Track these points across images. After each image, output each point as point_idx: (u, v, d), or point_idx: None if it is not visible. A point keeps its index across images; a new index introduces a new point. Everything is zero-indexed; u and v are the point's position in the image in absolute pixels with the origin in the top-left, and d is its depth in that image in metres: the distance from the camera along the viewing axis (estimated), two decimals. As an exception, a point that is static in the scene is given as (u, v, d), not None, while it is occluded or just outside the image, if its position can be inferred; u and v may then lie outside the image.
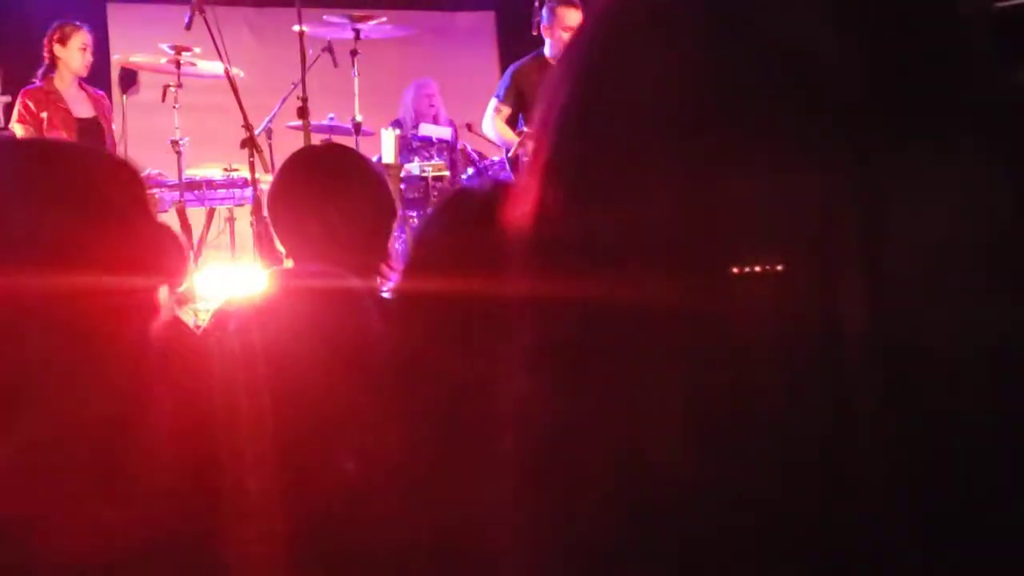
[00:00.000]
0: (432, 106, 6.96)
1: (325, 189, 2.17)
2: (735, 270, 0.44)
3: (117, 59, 6.44)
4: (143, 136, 6.50)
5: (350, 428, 1.73)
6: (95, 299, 0.92)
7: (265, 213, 5.50)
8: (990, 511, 0.43)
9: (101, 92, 6.13)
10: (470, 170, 6.49)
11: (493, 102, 6.02)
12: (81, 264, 0.91)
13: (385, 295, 2.24)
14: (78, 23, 5.85)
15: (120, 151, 6.18)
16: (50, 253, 0.91)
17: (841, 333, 0.42)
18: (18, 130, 5.58)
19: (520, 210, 0.53)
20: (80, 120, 5.78)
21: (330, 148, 2.25)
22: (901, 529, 0.43)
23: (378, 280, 2.27)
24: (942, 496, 0.43)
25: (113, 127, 6.07)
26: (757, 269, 0.44)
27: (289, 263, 2.34)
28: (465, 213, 1.68)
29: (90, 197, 0.96)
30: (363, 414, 1.72)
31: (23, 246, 0.91)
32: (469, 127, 6.80)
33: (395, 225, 2.34)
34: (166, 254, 1.02)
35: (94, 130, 5.82)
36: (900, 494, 0.43)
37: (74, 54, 5.73)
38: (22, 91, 5.84)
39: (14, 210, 0.92)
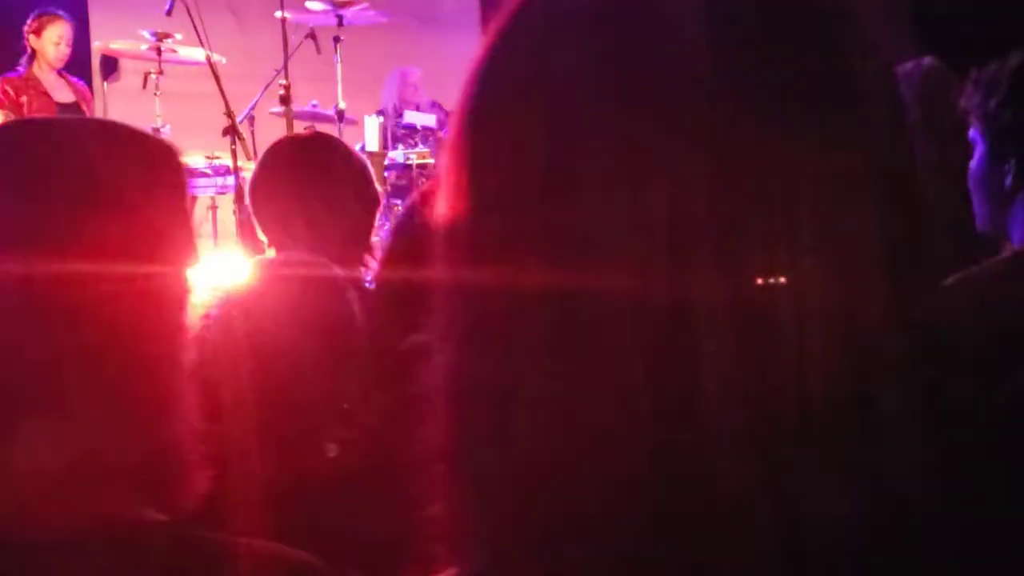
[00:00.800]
0: (416, 94, 6.96)
1: (307, 179, 2.16)
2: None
3: (98, 46, 6.40)
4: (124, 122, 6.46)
5: (332, 415, 1.74)
6: (119, 287, 0.91)
7: (247, 201, 5.49)
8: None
9: (82, 82, 6.09)
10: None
11: None
12: (101, 252, 0.91)
13: (367, 285, 2.25)
14: (56, 12, 5.79)
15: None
16: (65, 242, 0.90)
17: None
18: None
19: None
20: (60, 105, 5.76)
21: (312, 137, 2.24)
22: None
23: (361, 270, 2.27)
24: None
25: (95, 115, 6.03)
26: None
27: (271, 252, 2.34)
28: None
29: (101, 178, 0.95)
30: (344, 400, 1.73)
31: (35, 236, 0.90)
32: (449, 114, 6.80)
33: (378, 215, 2.34)
34: (189, 235, 1.03)
35: (75, 115, 5.79)
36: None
37: (48, 46, 5.70)
38: (0, 78, 5.81)
39: (19, 197, 0.91)
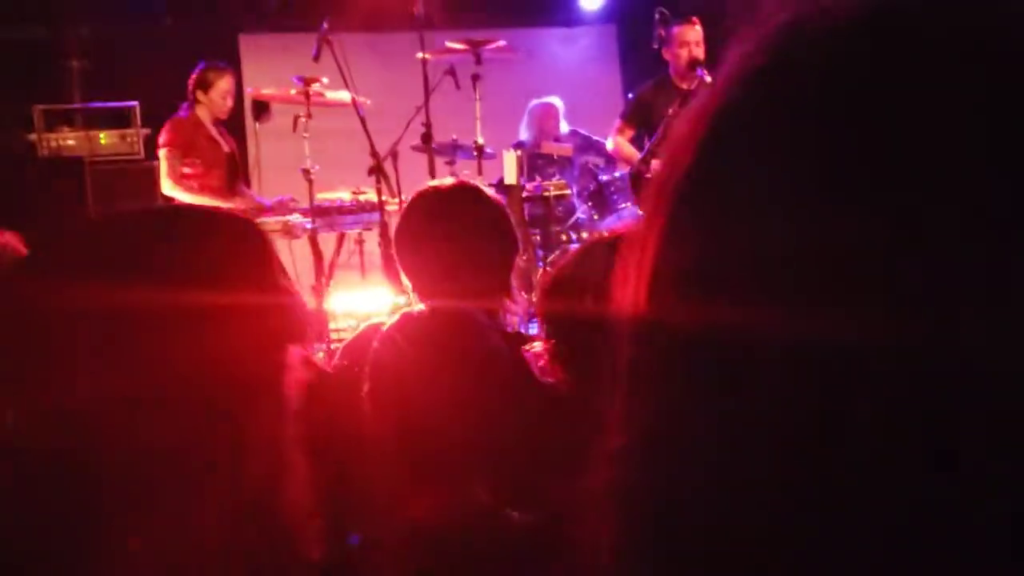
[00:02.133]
0: (555, 125, 7.03)
1: (448, 230, 2.22)
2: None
3: (250, 92, 6.66)
4: (275, 162, 6.73)
5: (484, 459, 1.77)
6: (225, 372, 0.93)
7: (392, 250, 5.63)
8: None
9: (232, 139, 6.27)
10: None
11: (617, 122, 6.07)
12: (210, 338, 0.92)
13: (509, 328, 2.28)
14: (225, 66, 5.99)
15: (253, 178, 6.42)
16: (177, 330, 0.91)
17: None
18: (162, 154, 5.75)
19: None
20: (227, 153, 5.98)
21: (454, 187, 2.29)
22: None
23: (502, 314, 2.31)
24: None
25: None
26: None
27: (414, 297, 2.40)
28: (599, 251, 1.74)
29: (214, 267, 0.97)
30: (496, 445, 1.76)
31: (148, 323, 0.91)
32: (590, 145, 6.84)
33: (517, 259, 2.37)
34: (295, 317, 1.03)
35: (236, 165, 6.03)
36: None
37: (216, 100, 5.90)
38: (169, 120, 6.01)
39: (136, 285, 0.92)
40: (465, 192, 2.33)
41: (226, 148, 5.99)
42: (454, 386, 1.77)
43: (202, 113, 5.90)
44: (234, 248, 1.01)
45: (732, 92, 0.53)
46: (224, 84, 5.90)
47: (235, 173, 5.99)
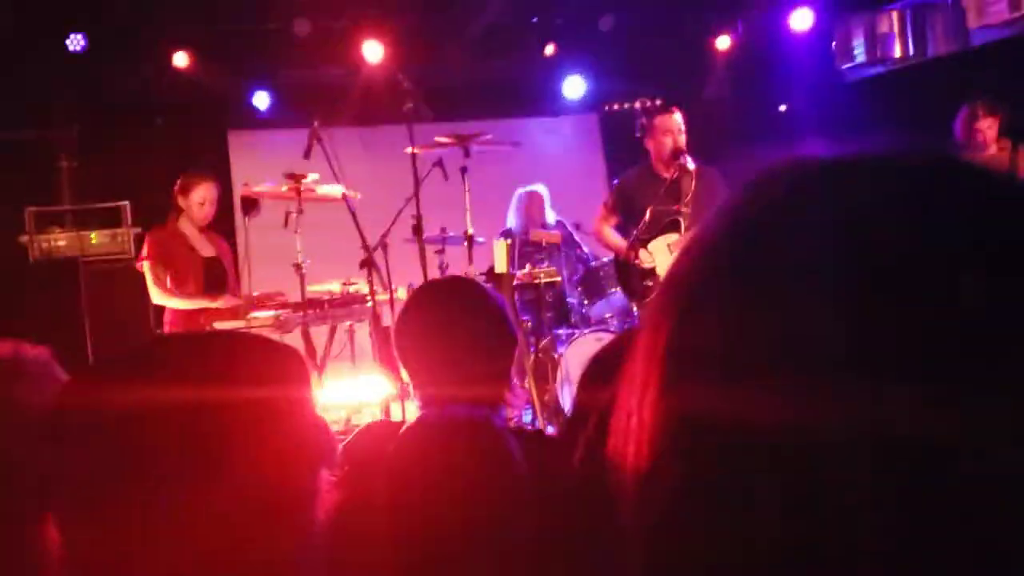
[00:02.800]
0: (541, 213, 7.13)
1: (449, 325, 2.24)
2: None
3: (240, 190, 6.70)
4: (266, 256, 6.76)
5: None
6: (255, 503, 0.94)
7: (384, 324, 5.67)
8: None
9: (223, 241, 6.20)
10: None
11: (601, 210, 6.15)
12: (244, 466, 0.94)
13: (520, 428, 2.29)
14: (203, 173, 5.91)
15: (244, 273, 6.44)
16: (211, 458, 0.93)
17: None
18: (145, 267, 5.73)
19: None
20: (204, 259, 5.90)
21: (452, 282, 2.33)
22: None
23: (502, 407, 2.33)
24: None
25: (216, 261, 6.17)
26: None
27: (415, 393, 2.41)
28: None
29: (263, 390, 1.00)
30: (507, 558, 1.74)
31: (180, 452, 0.94)
32: (577, 227, 6.92)
33: (516, 352, 2.39)
34: (323, 438, 1.06)
35: (217, 269, 5.94)
36: None
37: (193, 207, 5.82)
38: (148, 232, 6.00)
39: (172, 415, 0.95)
40: (465, 285, 2.36)
41: (205, 254, 5.92)
42: (477, 503, 1.76)
43: (183, 220, 5.87)
44: (281, 374, 1.04)
45: (752, 204, 0.57)
46: (201, 192, 5.82)
47: (217, 278, 5.94)
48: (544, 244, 6.64)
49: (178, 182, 5.86)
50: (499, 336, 2.28)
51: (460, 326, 2.24)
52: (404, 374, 2.43)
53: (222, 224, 6.92)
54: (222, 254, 6.06)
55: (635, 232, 5.77)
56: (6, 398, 1.40)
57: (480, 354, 2.23)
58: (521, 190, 7.21)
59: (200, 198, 5.82)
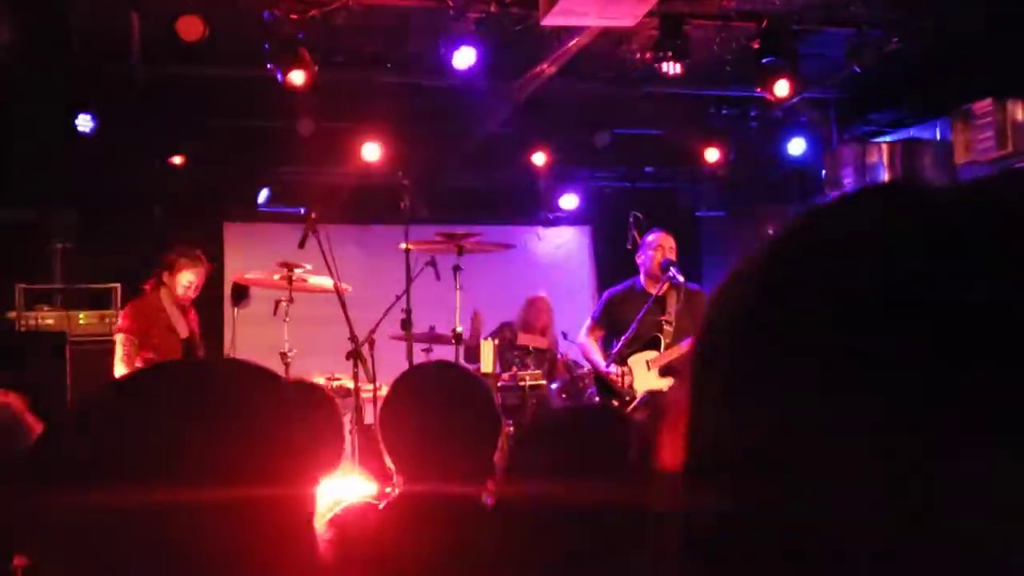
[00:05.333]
0: (539, 319, 7.21)
1: (435, 409, 2.24)
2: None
3: (231, 275, 6.71)
4: (252, 347, 6.74)
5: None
6: (255, 515, 0.95)
7: (367, 422, 5.63)
8: None
9: (192, 310, 6.03)
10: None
11: (588, 322, 6.18)
12: (240, 482, 0.95)
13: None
14: (195, 257, 5.83)
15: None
16: (215, 476, 0.94)
17: None
18: (119, 339, 5.64)
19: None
20: (183, 341, 5.83)
21: (440, 368, 2.34)
22: None
23: (485, 494, 2.31)
24: None
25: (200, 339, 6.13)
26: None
27: (398, 480, 2.39)
28: (555, 429, 1.75)
29: (241, 415, 1.01)
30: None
31: (188, 472, 0.94)
32: (564, 335, 6.96)
33: (500, 439, 2.39)
34: (325, 441, 1.08)
35: (192, 348, 5.87)
36: None
37: (178, 286, 5.76)
38: (129, 303, 5.95)
39: (182, 437, 0.96)
40: (452, 370, 2.37)
41: (183, 334, 5.85)
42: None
43: (164, 293, 5.79)
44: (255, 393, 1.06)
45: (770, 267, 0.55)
46: (189, 276, 5.77)
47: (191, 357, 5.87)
48: (531, 349, 6.66)
49: (168, 258, 5.81)
50: (484, 422, 2.28)
51: (444, 411, 2.24)
52: (388, 461, 2.42)
53: (211, 314, 6.92)
54: (192, 328, 5.96)
55: (617, 348, 5.80)
56: None
57: (465, 439, 2.22)
58: (525, 297, 7.37)
59: (187, 281, 5.78)
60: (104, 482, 0.94)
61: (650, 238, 5.97)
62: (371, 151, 7.92)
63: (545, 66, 6.87)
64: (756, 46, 6.65)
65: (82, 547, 0.94)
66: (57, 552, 0.96)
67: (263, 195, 8.74)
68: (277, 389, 1.09)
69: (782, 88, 6.79)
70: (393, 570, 1.74)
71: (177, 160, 7.74)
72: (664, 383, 5.78)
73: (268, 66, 6.21)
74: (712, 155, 8.64)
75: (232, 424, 1.00)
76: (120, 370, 5.58)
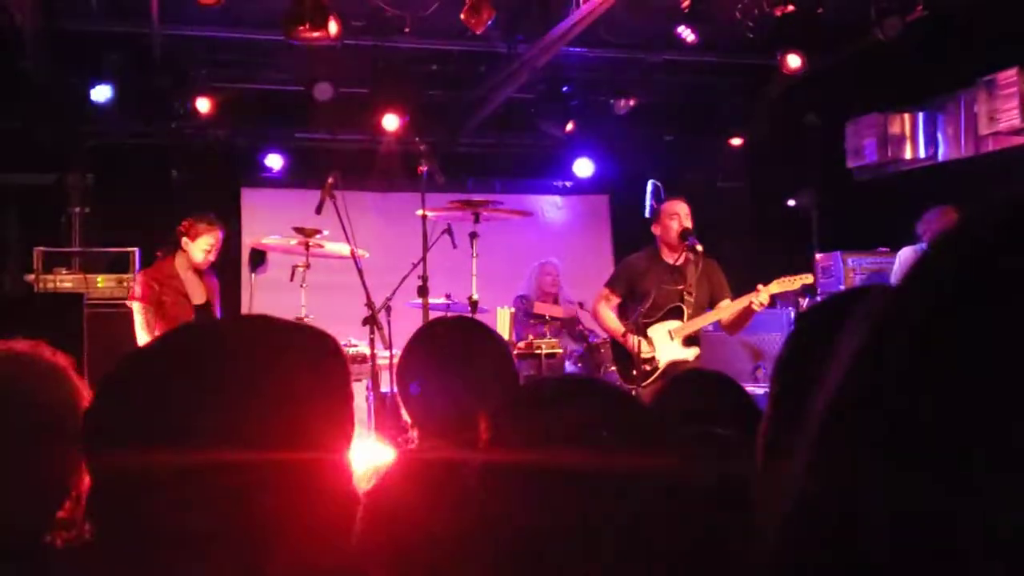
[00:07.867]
0: (554, 285, 7.18)
1: (452, 361, 2.23)
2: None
3: (248, 241, 6.71)
4: (269, 312, 6.74)
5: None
6: (289, 480, 0.96)
7: (383, 388, 5.64)
8: None
9: (214, 278, 6.05)
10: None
11: (604, 289, 6.05)
12: (267, 443, 0.96)
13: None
14: (214, 221, 5.83)
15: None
16: (246, 440, 0.96)
17: None
18: (136, 308, 5.67)
19: None
20: (196, 306, 5.82)
21: (457, 321, 2.32)
22: None
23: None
24: None
25: (220, 304, 6.09)
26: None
27: (414, 433, 2.39)
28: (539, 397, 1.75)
29: (274, 377, 1.02)
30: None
31: (215, 434, 0.96)
32: (581, 305, 6.93)
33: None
34: (349, 417, 1.09)
35: (205, 315, 5.81)
36: None
37: (197, 252, 5.76)
38: (142, 271, 5.93)
39: (206, 399, 0.97)
40: (471, 325, 2.35)
41: (196, 301, 5.83)
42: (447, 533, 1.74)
43: (180, 260, 5.80)
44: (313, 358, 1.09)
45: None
46: (208, 239, 5.77)
47: None
48: (548, 318, 6.64)
49: (186, 224, 5.79)
50: (501, 376, 2.26)
51: (463, 365, 2.22)
52: (404, 414, 2.41)
53: (228, 280, 6.93)
54: (211, 295, 5.94)
55: (636, 314, 5.71)
56: (21, 390, 1.40)
57: (482, 393, 2.19)
58: (538, 262, 7.31)
59: (207, 245, 5.77)
60: (158, 444, 0.97)
61: (666, 204, 5.91)
62: (390, 121, 7.85)
63: (565, 30, 6.80)
64: (778, 13, 6.57)
65: (137, 506, 0.96)
66: (116, 509, 0.97)
67: (276, 160, 8.74)
68: (298, 339, 1.10)
69: (794, 60, 6.80)
70: (408, 527, 1.73)
71: (202, 106, 7.63)
72: (688, 353, 5.72)
73: (287, 29, 6.17)
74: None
75: (266, 385, 1.01)
76: (143, 338, 5.62)
